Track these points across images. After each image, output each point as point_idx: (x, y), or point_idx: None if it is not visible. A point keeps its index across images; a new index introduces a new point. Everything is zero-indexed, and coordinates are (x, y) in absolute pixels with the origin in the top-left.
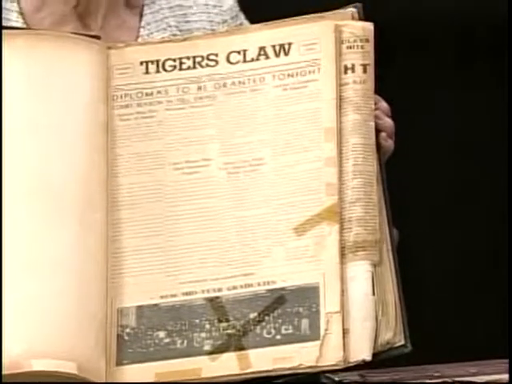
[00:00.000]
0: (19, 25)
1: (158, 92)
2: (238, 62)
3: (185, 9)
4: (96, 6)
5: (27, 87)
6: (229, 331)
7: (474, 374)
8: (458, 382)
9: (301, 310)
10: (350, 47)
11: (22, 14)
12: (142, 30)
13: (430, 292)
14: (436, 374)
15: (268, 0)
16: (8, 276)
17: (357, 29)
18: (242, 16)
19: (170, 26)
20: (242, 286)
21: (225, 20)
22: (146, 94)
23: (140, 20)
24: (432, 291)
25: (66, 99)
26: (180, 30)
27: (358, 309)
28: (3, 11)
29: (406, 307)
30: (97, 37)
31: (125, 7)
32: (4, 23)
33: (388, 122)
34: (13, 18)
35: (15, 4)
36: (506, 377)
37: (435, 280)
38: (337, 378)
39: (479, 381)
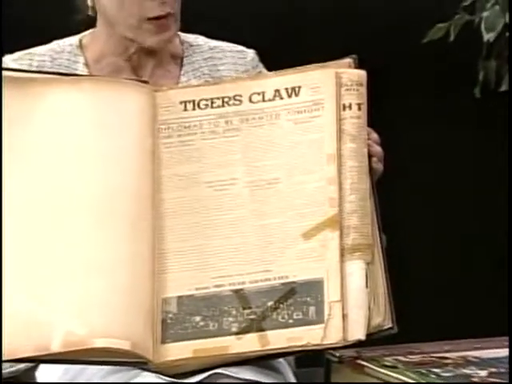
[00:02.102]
0: (84, 73)
1: (194, 125)
2: (258, 102)
3: (215, 60)
4: (146, 61)
5: (91, 122)
6: (251, 316)
7: (447, 351)
8: (434, 356)
9: (308, 299)
10: (348, 90)
11: (86, 64)
12: (181, 77)
13: (415, 283)
14: (417, 351)
15: (282, 52)
16: (77, 273)
17: (353, 75)
18: (260, 65)
19: (203, 74)
20: (261, 280)
21: (247, 69)
22: (185, 127)
23: (180, 69)
24: (417, 283)
25: (122, 131)
26: (212, 77)
27: (355, 298)
28: (71, 63)
29: (394, 296)
30: (146, 82)
31: (169, 59)
32: (71, 71)
33: (378, 149)
34: (79, 68)
35: (81, 57)
36: (472, 353)
37: (420, 274)
38: (337, 354)
39: (450, 356)
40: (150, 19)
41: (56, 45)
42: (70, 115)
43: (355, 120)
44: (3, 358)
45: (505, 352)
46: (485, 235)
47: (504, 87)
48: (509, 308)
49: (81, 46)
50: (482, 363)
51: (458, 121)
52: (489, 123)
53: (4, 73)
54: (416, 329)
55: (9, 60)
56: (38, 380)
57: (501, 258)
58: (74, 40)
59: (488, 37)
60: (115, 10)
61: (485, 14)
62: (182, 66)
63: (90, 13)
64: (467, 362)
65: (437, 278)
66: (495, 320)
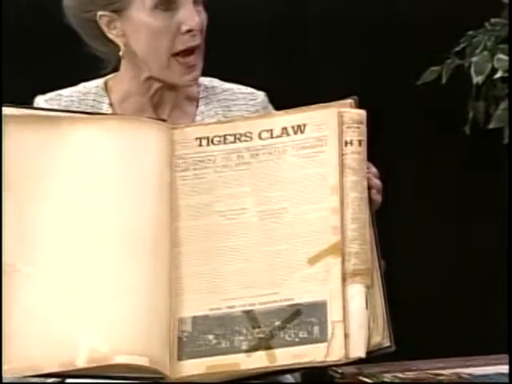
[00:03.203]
0: (108, 112)
1: (209, 160)
2: (267, 138)
3: (229, 101)
4: (165, 101)
5: (115, 157)
6: (260, 335)
7: (441, 368)
8: (429, 373)
9: (313, 319)
10: (349, 127)
11: (110, 104)
12: (197, 117)
13: (412, 305)
14: (413, 368)
15: (291, 94)
16: (101, 295)
17: (354, 114)
18: (270, 106)
19: (217, 114)
20: (269, 302)
21: (257, 109)
22: (200, 161)
23: (196, 109)
24: (414, 305)
25: (142, 165)
26: (224, 117)
27: (356, 319)
28: (96, 103)
29: (392, 316)
30: (164, 120)
31: (186, 100)
32: (96, 111)
33: (377, 181)
34: (104, 108)
35: (106, 98)
36: (464, 370)
37: (416, 297)
38: (340, 370)
39: (444, 372)
40: (178, 54)
41: (82, 86)
42: (96, 150)
43: (356, 155)
44: (32, 373)
45: (494, 369)
46: (473, 261)
47: (492, 125)
48: (509, 318)
49: (106, 87)
50: (473, 379)
51: (450, 156)
52: (478, 158)
53: (36, 112)
54: (411, 347)
55: (40, 100)
56: None
57: (487, 281)
58: (99, 82)
59: (477, 79)
60: (145, 51)
61: (474, 58)
62: (197, 106)
63: (121, 54)
64: (460, 379)
65: (431, 300)
66: (484, 340)
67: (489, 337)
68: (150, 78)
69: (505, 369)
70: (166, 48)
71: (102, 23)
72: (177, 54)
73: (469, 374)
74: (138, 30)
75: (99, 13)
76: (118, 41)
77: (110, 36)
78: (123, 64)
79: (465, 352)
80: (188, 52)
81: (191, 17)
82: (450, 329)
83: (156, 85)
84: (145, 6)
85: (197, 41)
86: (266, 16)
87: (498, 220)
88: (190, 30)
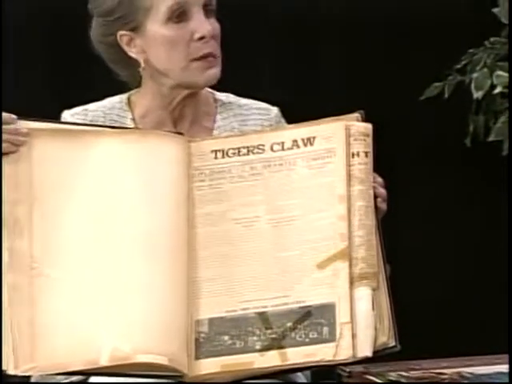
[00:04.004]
0: (131, 126)
1: (224, 171)
2: (278, 150)
3: (244, 116)
4: (185, 114)
5: (136, 168)
6: (272, 336)
7: (444, 367)
8: (432, 372)
9: (322, 321)
10: (356, 140)
11: (133, 119)
12: (215, 131)
13: (416, 306)
14: (417, 367)
15: (301, 108)
16: (123, 298)
17: (360, 127)
18: (283, 120)
19: (234, 128)
20: (281, 304)
21: (271, 124)
22: (215, 172)
23: (214, 124)
24: (418, 305)
25: (162, 176)
26: (241, 130)
27: (363, 320)
28: (120, 117)
29: (397, 317)
30: (182, 134)
31: (204, 115)
32: (120, 125)
33: (382, 191)
34: (127, 122)
35: (129, 113)
36: (465, 369)
37: (421, 297)
38: (347, 369)
39: (447, 371)
40: (196, 59)
41: (107, 102)
42: (118, 162)
43: (363, 166)
44: (58, 372)
45: (494, 368)
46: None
47: (491, 138)
48: (509, 318)
49: (129, 103)
50: (474, 378)
51: (451, 166)
52: (478, 169)
53: (62, 125)
54: (415, 347)
55: (67, 115)
56: None
57: (488, 281)
58: (122, 98)
59: (477, 95)
60: (165, 61)
61: (474, 75)
62: (215, 121)
63: (140, 70)
64: (461, 378)
65: (434, 303)
66: (483, 340)
67: (489, 337)
68: (171, 89)
69: (504, 368)
70: (183, 55)
71: (123, 43)
72: (194, 60)
73: (470, 373)
74: (156, 44)
75: (119, 33)
76: (139, 57)
77: (132, 54)
78: (144, 81)
79: (467, 352)
80: (204, 56)
81: (202, 25)
82: (452, 330)
83: (178, 97)
84: (159, 20)
85: (211, 47)
86: (273, 39)
87: (497, 226)
88: (202, 37)
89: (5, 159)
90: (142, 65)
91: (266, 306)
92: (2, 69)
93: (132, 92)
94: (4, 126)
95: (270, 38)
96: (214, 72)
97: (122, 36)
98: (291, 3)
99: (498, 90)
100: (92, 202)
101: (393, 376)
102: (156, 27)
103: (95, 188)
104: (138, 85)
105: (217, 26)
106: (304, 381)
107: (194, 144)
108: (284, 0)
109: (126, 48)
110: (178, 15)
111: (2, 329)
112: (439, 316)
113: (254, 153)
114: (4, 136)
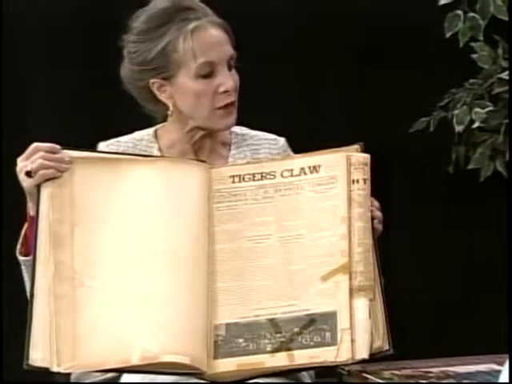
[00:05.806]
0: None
1: (240, 194)
2: (287, 176)
3: (256, 146)
4: (204, 147)
5: (164, 191)
6: (281, 339)
7: (431, 367)
8: (421, 371)
9: (325, 327)
10: (356, 168)
11: (159, 150)
12: (230, 158)
13: (407, 314)
14: (408, 366)
15: (306, 141)
16: (151, 304)
17: (360, 158)
18: (289, 149)
19: (246, 156)
20: (289, 312)
21: (279, 152)
22: (232, 195)
23: (229, 152)
24: (409, 314)
25: (187, 197)
26: (253, 158)
27: (360, 327)
28: (147, 148)
29: (391, 323)
30: (204, 161)
31: (221, 145)
32: (148, 153)
33: (378, 213)
34: (154, 152)
35: (156, 144)
36: (450, 369)
37: (412, 305)
38: (347, 369)
39: (434, 370)
40: (218, 108)
41: (136, 134)
42: (148, 185)
43: (361, 191)
44: (95, 369)
45: (476, 368)
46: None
47: (471, 166)
48: (509, 318)
49: (156, 135)
50: (457, 377)
51: (436, 190)
52: (458, 193)
53: (100, 154)
54: (407, 349)
55: (102, 145)
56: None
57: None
58: (149, 131)
59: (458, 128)
60: (192, 108)
61: (456, 111)
62: (230, 150)
63: (169, 113)
64: (447, 376)
65: (423, 310)
66: (466, 341)
67: (489, 337)
68: (194, 128)
69: (483, 367)
70: (207, 105)
71: (154, 88)
72: (217, 109)
73: (453, 372)
74: (185, 93)
75: (151, 80)
76: (168, 102)
77: (161, 98)
78: (170, 118)
79: (461, 352)
80: (225, 106)
81: (227, 81)
82: (436, 333)
83: (199, 134)
84: (189, 75)
85: (232, 98)
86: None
87: (475, 244)
88: (226, 91)
89: (50, 183)
90: (171, 108)
91: (275, 313)
92: (2, 69)
93: (158, 126)
94: (50, 155)
95: (271, 69)
96: (233, 117)
97: (154, 83)
98: (291, 35)
99: (476, 124)
100: (125, 221)
101: (386, 374)
102: (186, 80)
103: (129, 208)
104: (164, 119)
105: (237, 77)
106: (308, 379)
107: (215, 170)
108: (282, 31)
109: (156, 92)
110: (207, 71)
111: (49, 332)
112: (426, 321)
113: (266, 178)
114: (50, 163)
